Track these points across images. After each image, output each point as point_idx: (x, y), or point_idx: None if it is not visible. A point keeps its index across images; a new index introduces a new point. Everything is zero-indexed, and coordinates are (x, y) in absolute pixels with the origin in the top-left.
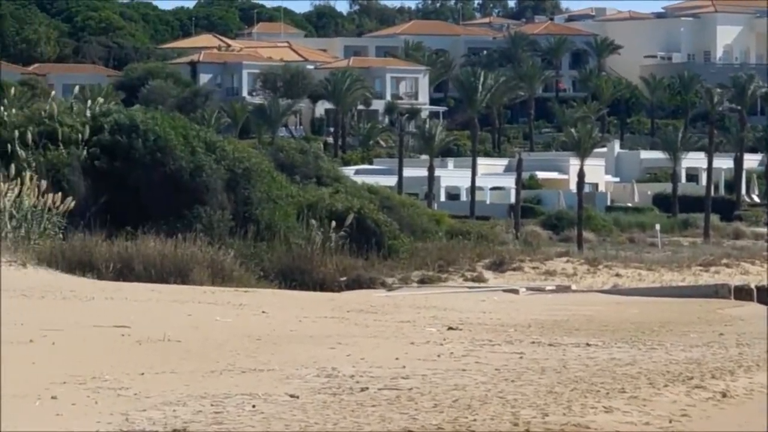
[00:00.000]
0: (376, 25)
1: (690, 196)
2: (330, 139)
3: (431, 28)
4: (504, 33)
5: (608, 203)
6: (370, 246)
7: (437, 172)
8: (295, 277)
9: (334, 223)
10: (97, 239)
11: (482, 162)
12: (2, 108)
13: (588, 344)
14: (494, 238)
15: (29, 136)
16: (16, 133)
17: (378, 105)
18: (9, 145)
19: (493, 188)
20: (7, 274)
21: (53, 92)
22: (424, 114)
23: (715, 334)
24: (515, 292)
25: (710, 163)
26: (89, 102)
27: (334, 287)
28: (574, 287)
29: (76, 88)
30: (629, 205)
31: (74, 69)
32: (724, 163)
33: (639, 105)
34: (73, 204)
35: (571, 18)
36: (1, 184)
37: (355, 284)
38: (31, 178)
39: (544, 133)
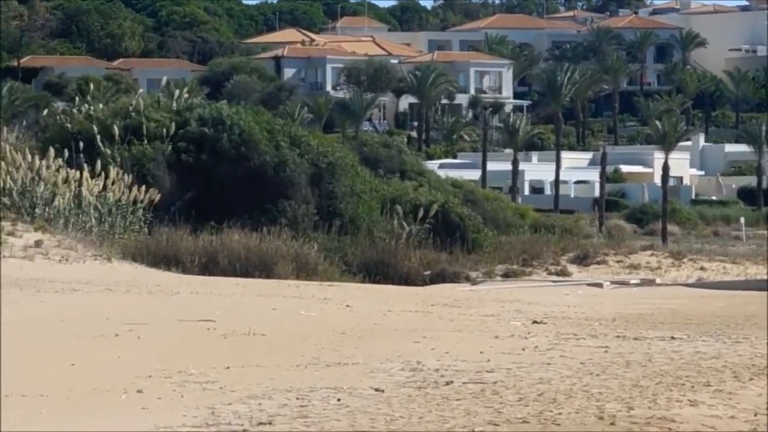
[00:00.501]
0: (460, 19)
1: None
2: (414, 134)
3: (515, 21)
4: (588, 27)
5: (693, 196)
6: (454, 240)
7: (521, 166)
8: (379, 270)
9: (421, 213)
10: (182, 233)
11: (566, 155)
12: (88, 103)
13: (673, 338)
14: (578, 231)
15: (115, 130)
16: (95, 129)
17: (462, 99)
18: (99, 137)
19: (578, 182)
20: (93, 268)
21: (141, 89)
22: (508, 108)
23: None
24: (599, 285)
25: None
26: (177, 94)
27: (418, 281)
28: (658, 281)
29: (164, 80)
30: (714, 198)
31: (159, 64)
32: None
33: (723, 98)
34: (157, 198)
35: (656, 11)
36: (88, 178)
37: (439, 278)
38: (117, 173)
39: (629, 126)
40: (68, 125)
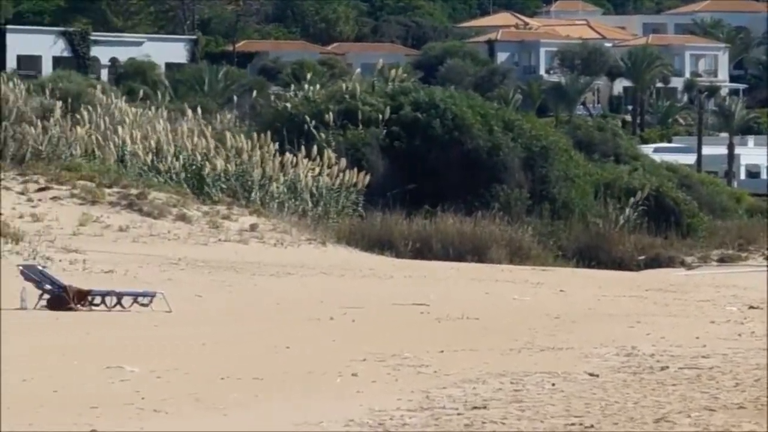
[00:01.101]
0: (675, 2)
1: None
2: (628, 117)
3: (731, 5)
4: None
5: None
6: (669, 224)
7: (737, 150)
8: (592, 255)
9: (632, 200)
10: (396, 218)
11: None
12: (304, 87)
13: None
14: None
15: (330, 115)
16: (310, 113)
17: (677, 82)
18: (313, 121)
19: None
20: (307, 252)
21: (358, 69)
22: (724, 91)
23: None
24: None
25: None
26: (393, 76)
27: (633, 266)
28: None
29: (380, 63)
30: None
31: (372, 48)
32: None
33: None
34: (370, 182)
35: None
36: (303, 162)
37: (654, 263)
38: (330, 157)
39: None
40: (287, 105)
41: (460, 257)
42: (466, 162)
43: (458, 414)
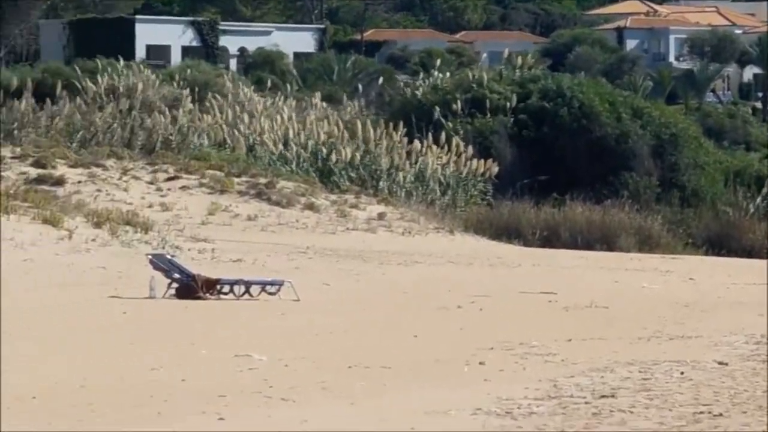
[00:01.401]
0: None
1: None
2: (758, 104)
3: None
4: None
5: None
6: None
7: None
8: (722, 243)
9: (765, 189)
10: (525, 207)
11: None
12: (436, 73)
13: None
14: None
15: (458, 103)
16: (439, 101)
17: None
18: (440, 110)
19: None
20: (435, 240)
21: (484, 55)
22: None
23: None
24: None
25: None
26: (520, 64)
27: (763, 254)
28: None
29: (506, 52)
30: None
31: (500, 36)
32: None
33: None
34: (498, 171)
35: None
36: (432, 150)
37: None
38: (458, 146)
39: None
40: (416, 93)
41: (588, 246)
42: (595, 150)
43: (586, 403)
